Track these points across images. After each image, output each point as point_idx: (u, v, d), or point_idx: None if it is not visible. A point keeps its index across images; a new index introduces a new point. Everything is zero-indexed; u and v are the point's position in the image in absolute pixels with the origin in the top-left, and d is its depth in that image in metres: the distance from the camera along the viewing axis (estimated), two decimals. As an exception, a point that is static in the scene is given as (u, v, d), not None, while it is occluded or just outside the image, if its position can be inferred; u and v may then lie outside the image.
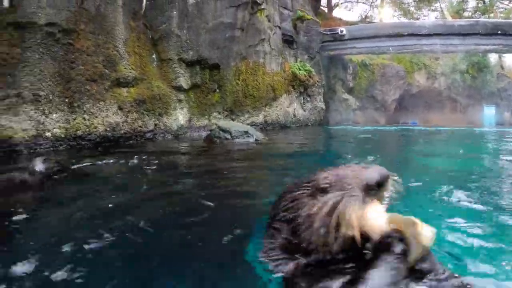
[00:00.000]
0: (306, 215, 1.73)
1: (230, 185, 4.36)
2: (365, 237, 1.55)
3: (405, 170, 5.05)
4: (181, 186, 4.35)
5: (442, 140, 11.69)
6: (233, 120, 11.26)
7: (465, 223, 2.61)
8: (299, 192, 1.84)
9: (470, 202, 3.17)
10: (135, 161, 5.81)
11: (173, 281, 2.06)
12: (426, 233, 1.45)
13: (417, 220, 1.47)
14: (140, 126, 8.63)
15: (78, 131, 7.43)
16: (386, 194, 1.70)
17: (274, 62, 13.52)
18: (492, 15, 30.35)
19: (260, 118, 12.71)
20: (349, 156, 6.79)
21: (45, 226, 2.87)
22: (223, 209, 3.26)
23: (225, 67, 11.19)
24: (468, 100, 24.65)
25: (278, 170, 5.56)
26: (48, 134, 7.03)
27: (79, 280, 1.98)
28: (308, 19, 16.67)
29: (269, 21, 13.33)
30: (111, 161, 5.89)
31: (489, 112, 24.33)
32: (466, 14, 31.73)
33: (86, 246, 2.40)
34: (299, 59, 15.97)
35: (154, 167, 5.46)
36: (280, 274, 1.77)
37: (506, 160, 6.19)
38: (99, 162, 5.67)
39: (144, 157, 6.07)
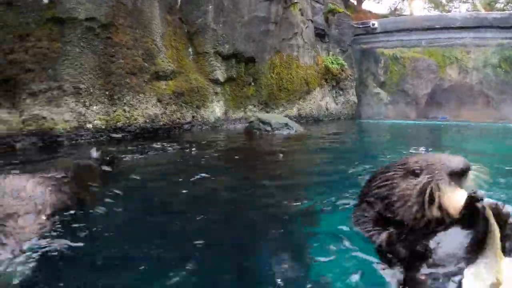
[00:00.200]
0: (400, 194, 1.98)
1: (284, 173, 4.50)
2: (450, 215, 1.76)
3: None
4: (239, 172, 4.50)
5: (476, 135, 11.27)
6: (267, 113, 11.06)
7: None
8: (391, 173, 2.09)
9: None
10: (186, 150, 5.88)
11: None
12: (505, 211, 1.53)
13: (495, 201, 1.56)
14: (179, 118, 8.58)
15: (118, 123, 7.41)
16: (466, 181, 1.90)
17: (307, 55, 13.24)
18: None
19: (294, 111, 12.47)
20: (388, 149, 6.69)
21: (122, 205, 2.99)
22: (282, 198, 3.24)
23: (260, 60, 11.01)
24: (501, 95, 23.59)
25: (326, 161, 5.56)
26: (89, 125, 7.03)
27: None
28: (339, 12, 16.27)
29: (302, 14, 13.05)
30: (158, 148, 6.02)
31: (523, 107, 23.23)
32: (498, 6, 30.50)
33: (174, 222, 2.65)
34: (331, 53, 15.62)
35: (206, 156, 5.49)
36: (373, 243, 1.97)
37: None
38: (150, 151, 5.75)
39: (192, 147, 6.12)
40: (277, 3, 11.47)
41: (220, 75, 9.81)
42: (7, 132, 6.26)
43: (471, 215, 1.61)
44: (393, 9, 34.84)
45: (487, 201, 1.58)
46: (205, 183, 3.80)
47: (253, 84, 10.92)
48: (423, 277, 1.60)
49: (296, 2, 12.42)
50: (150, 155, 5.60)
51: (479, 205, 1.57)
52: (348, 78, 15.68)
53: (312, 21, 14.10)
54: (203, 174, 3.99)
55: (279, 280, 1.83)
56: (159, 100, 8.13)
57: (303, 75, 12.90)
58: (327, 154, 6.32)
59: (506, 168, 4.26)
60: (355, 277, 1.80)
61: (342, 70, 15.21)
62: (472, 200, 1.60)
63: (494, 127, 14.61)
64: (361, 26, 17.36)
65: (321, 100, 14.15)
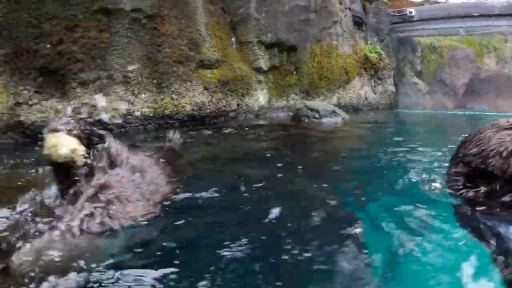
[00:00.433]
0: (494, 144, 2.00)
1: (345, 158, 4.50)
2: None
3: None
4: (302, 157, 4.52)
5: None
6: (307, 100, 10.71)
7: None
8: (486, 132, 2.13)
9: None
10: (242, 134, 5.92)
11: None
12: None
13: None
14: (224, 106, 8.47)
15: (166, 110, 7.38)
16: None
17: (346, 44, 12.77)
18: None
19: (334, 100, 12.06)
20: (434, 136, 6.72)
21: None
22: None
23: (301, 49, 10.69)
24: (542, 87, 22.24)
25: (381, 145, 5.46)
26: (137, 113, 6.99)
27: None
28: (376, 0, 15.65)
29: (340, 3, 12.59)
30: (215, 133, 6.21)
31: None
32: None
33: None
34: (369, 42, 15.06)
35: (266, 139, 5.66)
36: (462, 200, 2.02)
37: None
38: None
39: (247, 131, 6.20)
40: (316, -9, 11.07)
41: (263, 63, 9.55)
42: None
43: None
44: (429, -4, 33.40)
45: None
46: (275, 163, 3.84)
47: (295, 72, 10.61)
48: None
49: (334, -9, 11.98)
50: (212, 140, 5.74)
51: None
52: (386, 67, 15.09)
53: (350, 10, 13.58)
54: (268, 155, 4.03)
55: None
56: (205, 88, 8.04)
57: (343, 64, 12.45)
58: (382, 140, 6.22)
59: None
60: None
61: (380, 59, 14.64)
62: None
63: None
64: (397, 14, 16.64)
65: (360, 89, 13.66)
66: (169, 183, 2.86)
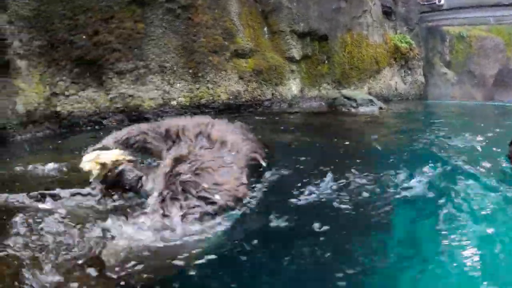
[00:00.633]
0: None
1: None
2: None
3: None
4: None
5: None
6: (339, 91, 10.34)
7: None
8: None
9: None
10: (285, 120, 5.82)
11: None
12: None
13: None
14: (259, 95, 8.25)
15: (202, 100, 7.25)
16: None
17: (376, 34, 12.33)
18: None
19: (364, 91, 11.64)
20: (471, 126, 6.57)
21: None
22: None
23: (333, 38, 10.34)
24: None
25: (426, 131, 5.40)
26: (173, 102, 6.88)
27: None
28: (406, -11, 15.10)
29: (370, -8, 12.14)
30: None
31: None
32: None
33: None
34: (398, 31, 14.52)
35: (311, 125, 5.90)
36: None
37: None
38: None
39: (286, 118, 6.11)
40: (347, -20, 10.69)
41: (296, 53, 9.26)
42: (95, 110, 6.26)
43: None
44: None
45: None
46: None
47: (326, 62, 10.27)
48: None
49: (364, -21, 11.57)
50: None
51: None
52: (416, 57, 14.54)
53: (379, -1, 13.11)
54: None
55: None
56: (240, 78, 7.85)
57: (373, 54, 12.03)
58: (424, 127, 6.13)
59: None
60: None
61: (410, 49, 14.10)
62: None
63: None
64: (426, 3, 16.05)
65: (391, 80, 13.20)
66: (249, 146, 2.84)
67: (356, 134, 5.38)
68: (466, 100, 17.63)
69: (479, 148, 3.89)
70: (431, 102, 14.80)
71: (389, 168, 3.00)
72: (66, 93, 6.16)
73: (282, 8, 8.97)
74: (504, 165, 2.98)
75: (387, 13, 14.09)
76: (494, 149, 3.63)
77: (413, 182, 2.62)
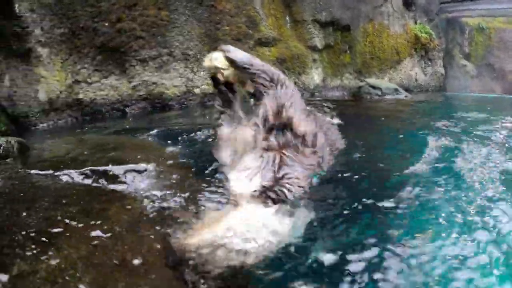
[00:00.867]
0: None
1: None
2: None
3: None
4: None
5: None
6: (360, 81, 9.99)
7: None
8: None
9: None
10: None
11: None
12: None
13: None
14: None
15: None
16: None
17: (397, 24, 11.94)
18: None
19: (385, 81, 11.26)
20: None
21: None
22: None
23: (355, 28, 9.98)
24: None
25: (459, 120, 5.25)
26: (196, 90, 6.69)
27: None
28: (426, -21, 14.60)
29: (390, -19, 11.72)
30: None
31: None
32: None
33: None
34: (418, 22, 14.04)
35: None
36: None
37: None
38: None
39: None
40: (368, -32, 10.33)
41: (319, 42, 8.94)
42: (117, 98, 6.10)
43: None
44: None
45: None
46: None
47: (348, 52, 9.91)
48: None
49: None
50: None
51: None
52: (436, 49, 14.11)
53: (399, -12, 12.67)
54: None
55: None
56: (264, 66, 7.45)
57: (394, 44, 11.65)
58: (456, 116, 5.91)
59: None
60: None
61: (430, 40, 13.66)
62: None
63: None
64: (446, -7, 15.56)
65: (411, 70, 12.81)
66: None
67: (388, 120, 5.14)
68: (486, 93, 17.13)
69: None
70: (451, 94, 14.37)
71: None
72: (89, 80, 6.00)
73: (304, -3, 8.65)
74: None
75: (407, 3, 13.63)
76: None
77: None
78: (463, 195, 2.13)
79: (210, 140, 3.38)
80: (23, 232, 1.49)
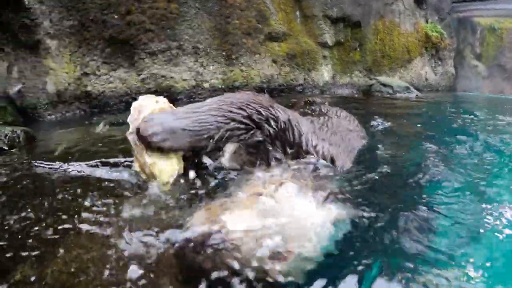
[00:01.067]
0: None
1: None
2: None
3: None
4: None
5: None
6: (370, 79, 9.84)
7: None
8: None
9: None
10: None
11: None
12: None
13: None
14: (292, 80, 7.89)
15: (235, 82, 6.93)
16: None
17: (408, 22, 11.77)
18: None
19: (395, 79, 11.10)
20: None
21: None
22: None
23: (366, 25, 9.83)
24: None
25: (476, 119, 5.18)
26: (206, 84, 6.60)
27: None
28: (438, -23, 14.37)
29: (402, -21, 11.54)
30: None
31: None
32: None
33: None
34: (429, 20, 13.83)
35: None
36: None
37: None
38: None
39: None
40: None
41: (329, 38, 8.81)
42: (126, 91, 6.02)
43: None
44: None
45: None
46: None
47: (358, 49, 9.76)
48: None
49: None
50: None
51: None
52: (447, 48, 13.91)
53: (411, -14, 12.47)
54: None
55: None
56: (274, 61, 7.51)
57: (405, 42, 11.47)
58: (471, 115, 5.75)
59: None
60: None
61: (441, 39, 13.46)
62: None
63: None
64: (458, -8, 15.31)
65: (421, 69, 12.63)
66: None
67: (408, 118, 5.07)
68: (496, 94, 16.87)
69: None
70: (462, 94, 14.16)
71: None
72: (97, 73, 5.94)
73: (315, -8, 8.52)
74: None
75: (419, 1, 13.43)
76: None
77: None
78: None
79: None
80: (27, 231, 1.38)
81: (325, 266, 1.26)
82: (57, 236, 1.39)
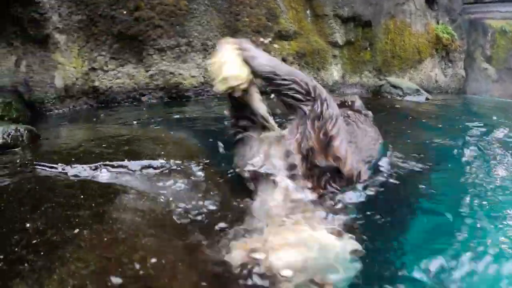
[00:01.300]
0: None
1: None
2: None
3: None
4: None
5: None
6: (380, 80, 9.69)
7: None
8: None
9: None
10: None
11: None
12: None
13: None
14: None
15: None
16: None
17: (419, 23, 11.58)
18: None
19: (405, 80, 10.93)
20: None
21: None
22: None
23: (376, 24, 9.67)
24: None
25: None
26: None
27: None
28: (450, -22, 14.14)
29: (413, -21, 11.35)
30: None
31: None
32: None
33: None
34: (440, 22, 13.62)
35: None
36: None
37: None
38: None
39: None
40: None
41: (339, 38, 8.68)
42: (133, 87, 5.99)
43: None
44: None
45: None
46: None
47: (368, 49, 9.60)
48: None
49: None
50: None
51: None
52: (458, 50, 13.68)
53: (422, -13, 12.26)
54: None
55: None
56: (283, 60, 7.33)
57: (415, 43, 11.29)
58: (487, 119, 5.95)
59: None
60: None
61: (452, 41, 13.24)
62: None
63: None
64: (470, -6, 15.06)
65: (431, 71, 12.44)
66: None
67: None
68: (506, 97, 16.60)
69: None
70: (471, 97, 13.96)
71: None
72: (105, 68, 5.89)
73: (326, -9, 8.39)
74: None
75: (430, 2, 13.21)
76: None
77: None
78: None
79: (231, 133, 3.08)
80: (24, 242, 1.28)
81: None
82: (54, 249, 1.29)
